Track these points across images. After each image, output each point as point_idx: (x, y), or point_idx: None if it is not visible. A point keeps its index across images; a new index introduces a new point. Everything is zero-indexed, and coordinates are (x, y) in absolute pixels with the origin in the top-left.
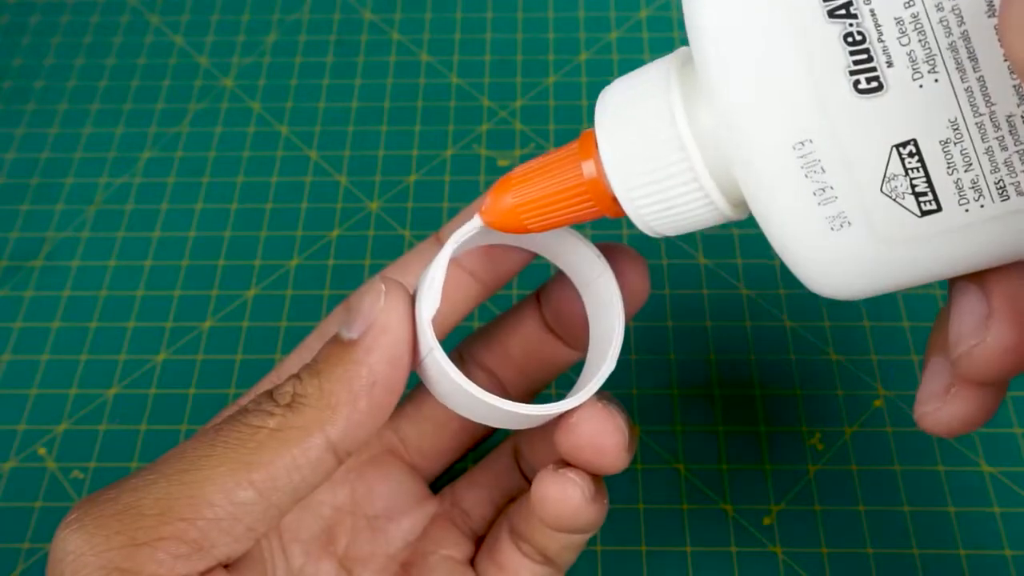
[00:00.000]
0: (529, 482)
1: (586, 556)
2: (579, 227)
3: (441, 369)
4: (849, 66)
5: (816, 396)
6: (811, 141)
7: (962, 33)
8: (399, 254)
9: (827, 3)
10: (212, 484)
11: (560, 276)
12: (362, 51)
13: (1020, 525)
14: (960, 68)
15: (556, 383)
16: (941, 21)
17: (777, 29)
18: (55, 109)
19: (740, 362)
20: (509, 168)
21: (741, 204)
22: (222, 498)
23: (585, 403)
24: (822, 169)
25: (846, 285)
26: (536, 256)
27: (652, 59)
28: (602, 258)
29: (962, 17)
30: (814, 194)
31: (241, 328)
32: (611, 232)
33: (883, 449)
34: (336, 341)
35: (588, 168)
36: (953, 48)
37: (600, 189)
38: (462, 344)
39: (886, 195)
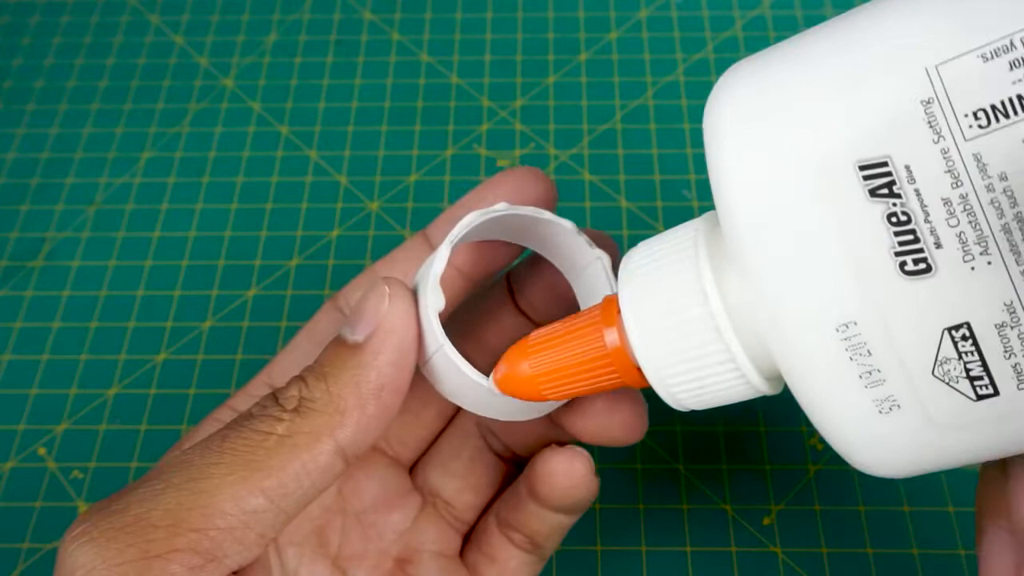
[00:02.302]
0: (505, 461)
1: (586, 556)
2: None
3: (453, 366)
4: (894, 247)
5: None
6: (856, 323)
7: (1016, 215)
8: None
9: (867, 182)
10: (223, 493)
11: (531, 262)
12: (362, 51)
13: None
14: (1015, 250)
15: None
16: (992, 202)
17: (815, 210)
18: (55, 109)
19: None
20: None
21: (777, 378)
22: (233, 507)
23: None
24: (868, 352)
25: (893, 465)
26: (523, 250)
27: (652, 59)
28: (593, 245)
29: (1014, 198)
30: (860, 377)
31: (241, 328)
32: (610, 232)
33: None
34: (341, 343)
35: (611, 337)
36: (1007, 229)
37: (624, 359)
38: None
39: (938, 379)
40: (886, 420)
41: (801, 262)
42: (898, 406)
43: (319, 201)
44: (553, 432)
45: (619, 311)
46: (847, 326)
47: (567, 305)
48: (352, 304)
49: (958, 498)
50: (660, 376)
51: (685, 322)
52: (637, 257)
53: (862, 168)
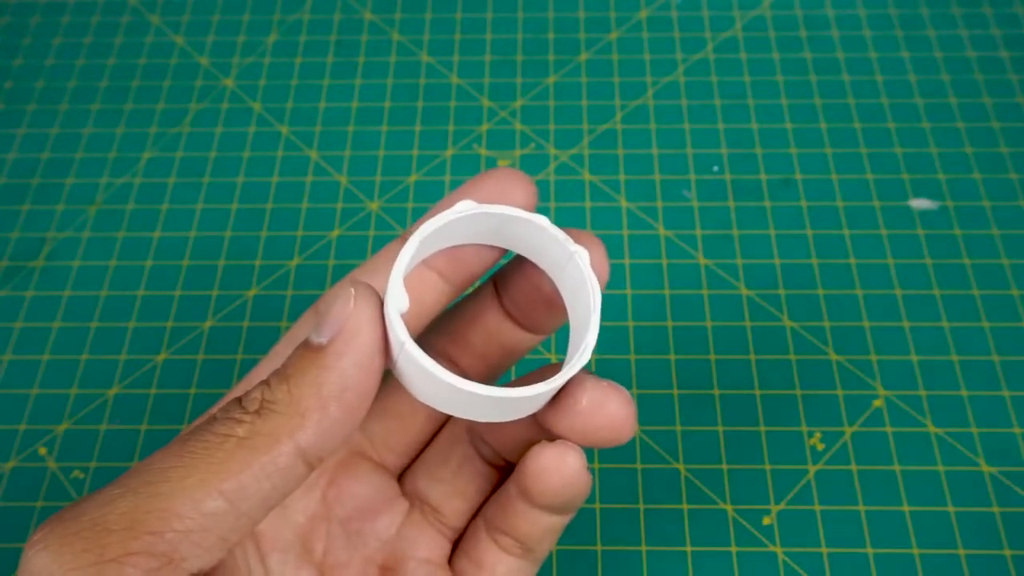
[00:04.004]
0: (494, 467)
1: (586, 556)
2: (547, 216)
3: (417, 364)
4: None
5: (816, 396)
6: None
7: None
8: None
9: None
10: (181, 496)
11: (516, 263)
12: (362, 51)
13: (1020, 525)
14: None
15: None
16: None
17: None
18: (56, 109)
19: (740, 362)
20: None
21: None
22: (191, 509)
23: (581, 377)
24: None
25: None
26: (505, 252)
27: (652, 59)
28: (570, 240)
29: None
30: None
31: (241, 328)
32: (610, 232)
33: (883, 449)
34: (306, 346)
35: None
36: None
37: None
38: (422, 336)
39: None
40: None
41: None
42: None
43: (319, 201)
44: (541, 435)
45: None
46: None
47: (552, 305)
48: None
49: (958, 498)
50: None
51: None
52: None
53: None
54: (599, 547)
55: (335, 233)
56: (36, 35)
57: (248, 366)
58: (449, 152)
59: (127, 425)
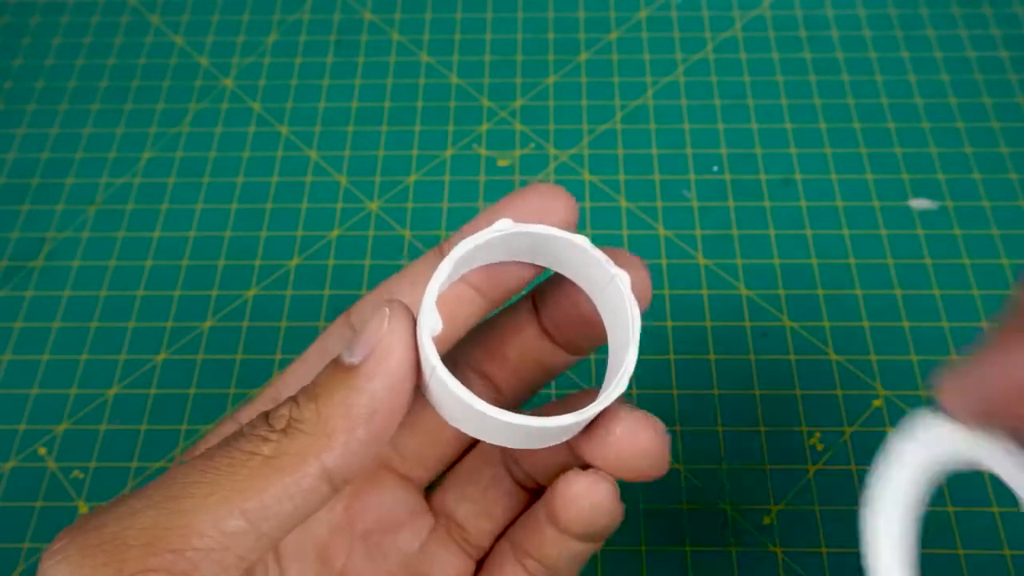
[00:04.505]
0: (526, 490)
1: None
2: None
3: (447, 389)
4: None
5: (816, 396)
6: None
7: None
8: (399, 254)
9: None
10: (202, 513)
11: (555, 280)
12: (362, 51)
13: (1020, 525)
14: None
15: (550, 385)
16: None
17: None
18: (56, 109)
19: (740, 362)
20: (509, 168)
21: None
22: (212, 527)
23: (615, 407)
24: None
25: None
26: (543, 269)
27: (652, 59)
28: (611, 262)
29: None
30: None
31: (241, 328)
32: (610, 232)
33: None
34: (337, 364)
35: None
36: None
37: None
38: (457, 349)
39: None
40: None
41: None
42: None
43: (319, 201)
44: (575, 460)
45: None
46: None
47: (591, 326)
48: (360, 322)
49: (958, 498)
50: None
51: None
52: None
53: None
54: (599, 547)
55: (335, 233)
56: (36, 35)
57: (248, 366)
58: (449, 152)
59: (127, 425)
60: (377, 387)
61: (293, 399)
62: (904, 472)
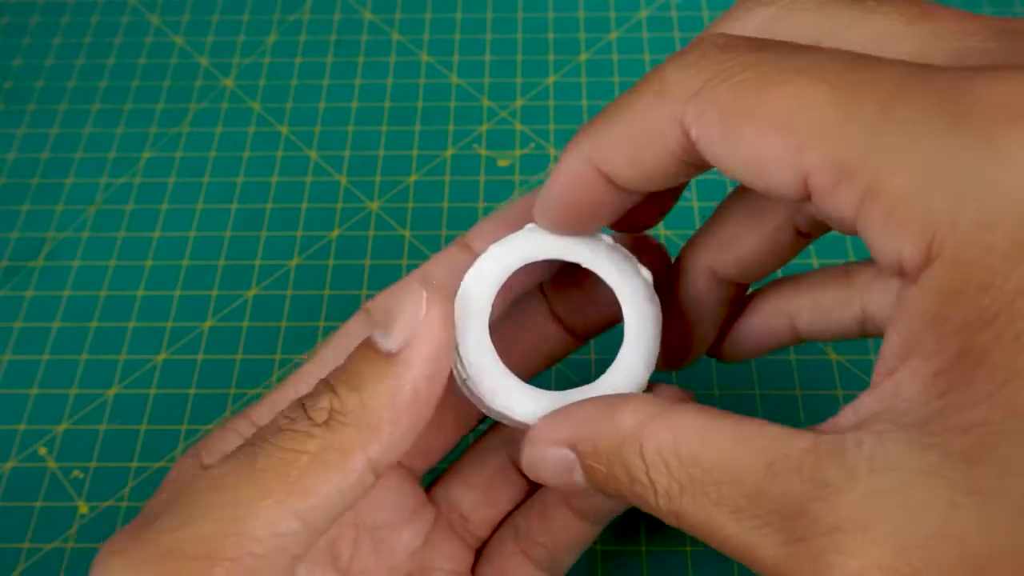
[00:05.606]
0: (528, 480)
1: (586, 556)
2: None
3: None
4: None
5: (816, 396)
6: None
7: None
8: (399, 254)
9: None
10: (256, 519)
11: (566, 266)
12: (362, 51)
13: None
14: None
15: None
16: None
17: None
18: (55, 109)
19: (740, 362)
20: (509, 168)
21: None
22: (267, 532)
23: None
24: None
25: None
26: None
27: (652, 59)
28: (632, 258)
29: None
30: None
31: (241, 328)
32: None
33: None
34: (372, 350)
35: None
36: None
37: None
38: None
39: None
40: None
41: None
42: None
43: (319, 201)
44: None
45: None
46: None
47: (604, 310)
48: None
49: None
50: None
51: None
52: None
53: None
54: (598, 547)
55: (335, 233)
56: (36, 35)
57: (248, 366)
58: (449, 152)
59: (127, 425)
60: (417, 375)
61: (330, 388)
62: (494, 267)
